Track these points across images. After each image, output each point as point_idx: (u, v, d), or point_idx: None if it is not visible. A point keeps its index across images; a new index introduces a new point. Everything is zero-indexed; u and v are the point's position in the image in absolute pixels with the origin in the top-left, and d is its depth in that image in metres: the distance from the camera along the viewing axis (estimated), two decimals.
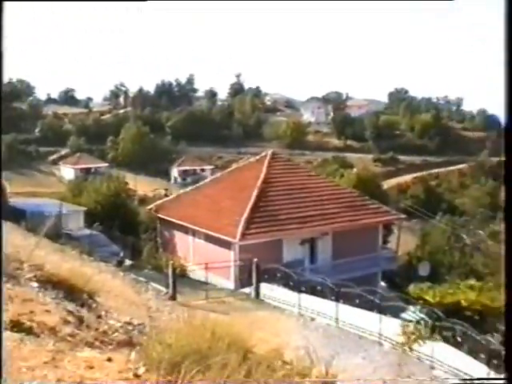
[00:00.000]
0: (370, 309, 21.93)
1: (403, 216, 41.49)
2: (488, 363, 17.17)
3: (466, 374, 17.75)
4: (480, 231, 74.38)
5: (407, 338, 19.53)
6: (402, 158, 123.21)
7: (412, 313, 23.77)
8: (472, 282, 41.79)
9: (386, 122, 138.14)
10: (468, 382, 11.29)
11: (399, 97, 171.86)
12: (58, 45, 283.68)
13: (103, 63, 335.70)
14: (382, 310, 21.63)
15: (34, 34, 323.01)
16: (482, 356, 17.73)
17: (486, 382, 10.74)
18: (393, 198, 79.23)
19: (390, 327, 20.65)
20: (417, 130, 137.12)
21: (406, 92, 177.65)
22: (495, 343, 18.70)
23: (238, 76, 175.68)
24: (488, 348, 17.82)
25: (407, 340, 19.49)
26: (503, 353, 17.51)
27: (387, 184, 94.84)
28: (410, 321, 21.09)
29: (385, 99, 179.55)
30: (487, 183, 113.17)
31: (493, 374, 16.91)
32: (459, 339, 18.95)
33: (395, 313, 22.87)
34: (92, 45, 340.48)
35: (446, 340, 19.23)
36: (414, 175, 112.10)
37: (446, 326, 19.64)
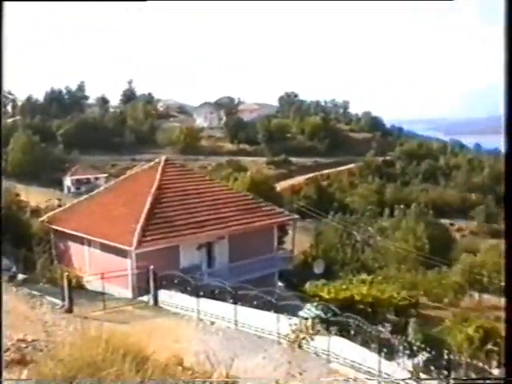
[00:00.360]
0: (268, 309, 22.36)
1: (297, 216, 42.58)
2: (379, 352, 18.06)
3: (360, 364, 18.58)
4: (369, 227, 77.78)
5: (296, 335, 20.22)
6: (293, 159, 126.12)
7: (308, 310, 24.54)
8: (363, 276, 43.87)
9: (278, 126, 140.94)
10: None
11: (289, 101, 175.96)
12: (58, 45, 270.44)
13: (103, 63, 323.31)
14: (279, 310, 22.11)
15: (34, 34, 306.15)
16: (374, 346, 18.62)
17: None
18: (286, 200, 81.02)
19: (288, 326, 21.20)
20: (307, 133, 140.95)
21: (296, 96, 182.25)
22: (385, 333, 19.71)
23: (129, 82, 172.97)
24: (379, 338, 18.73)
25: (296, 338, 20.18)
26: (393, 341, 18.53)
27: (280, 186, 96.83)
28: (307, 318, 21.78)
29: (275, 103, 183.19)
30: (374, 182, 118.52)
31: (384, 362, 17.84)
32: (353, 332, 19.75)
33: (293, 311, 23.46)
34: (92, 45, 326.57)
35: (341, 334, 20.01)
36: (306, 176, 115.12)
37: (341, 320, 20.42)
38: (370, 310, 34.06)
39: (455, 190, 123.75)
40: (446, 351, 17.17)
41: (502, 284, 57.83)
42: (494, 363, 20.63)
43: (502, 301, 56.97)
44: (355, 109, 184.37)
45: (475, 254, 71.16)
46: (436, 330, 35.64)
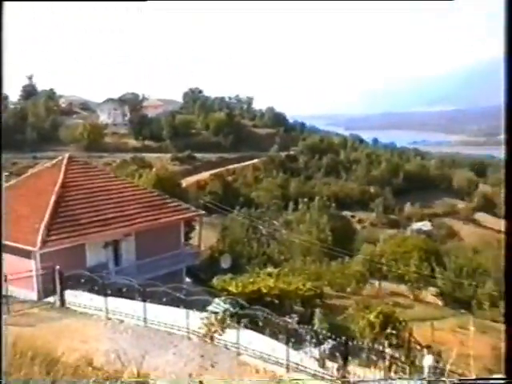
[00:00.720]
0: (177, 305, 22.49)
1: (203, 212, 42.74)
2: (287, 342, 18.66)
3: (269, 355, 19.10)
4: (274, 221, 79.34)
5: (208, 329, 20.60)
6: (198, 155, 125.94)
7: (217, 305, 24.83)
8: (270, 269, 44.78)
9: (182, 122, 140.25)
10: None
11: (193, 97, 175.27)
12: (58, 45, 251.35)
13: (103, 63, 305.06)
14: (188, 305, 22.28)
15: (34, 34, 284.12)
16: (282, 336, 19.19)
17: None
18: (192, 195, 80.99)
19: (197, 321, 21.47)
20: (212, 128, 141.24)
21: (200, 92, 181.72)
22: (292, 323, 20.37)
23: (29, 78, 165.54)
24: (286, 328, 19.33)
25: (208, 331, 20.56)
26: (300, 331, 19.16)
27: (186, 182, 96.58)
28: (216, 312, 22.13)
29: (180, 99, 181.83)
30: (278, 176, 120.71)
31: (292, 352, 18.46)
32: (261, 324, 20.24)
33: (201, 306, 23.70)
34: (92, 45, 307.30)
35: (249, 326, 20.47)
36: (212, 172, 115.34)
37: (249, 313, 20.87)
38: (277, 301, 34.85)
39: (355, 183, 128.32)
40: (344, 338, 17.99)
41: (400, 271, 60.95)
42: (387, 344, 21.81)
43: (400, 287, 60.06)
44: (259, 105, 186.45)
45: (375, 244, 74.32)
46: (340, 318, 37.03)
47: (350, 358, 17.54)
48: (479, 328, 46.30)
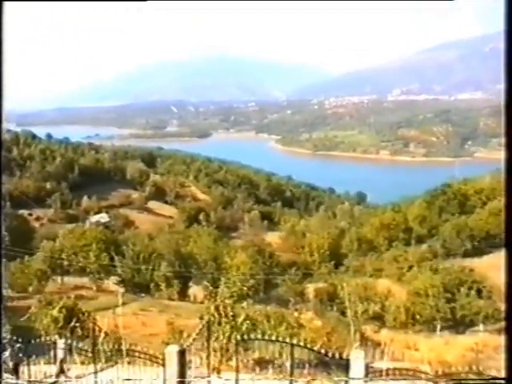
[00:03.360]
0: None
1: None
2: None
3: None
4: None
5: None
6: None
7: None
8: None
9: None
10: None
11: None
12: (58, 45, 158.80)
13: (103, 63, 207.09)
14: None
15: (34, 34, 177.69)
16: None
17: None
18: None
19: None
20: None
21: None
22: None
23: None
24: None
25: None
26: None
27: None
28: None
29: None
30: None
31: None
32: None
33: None
34: (92, 45, 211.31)
35: None
36: None
37: None
38: None
39: (30, 179, 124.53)
40: (28, 338, 18.62)
41: (80, 264, 62.29)
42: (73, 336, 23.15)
43: (83, 280, 61.52)
44: None
45: (54, 240, 74.03)
46: (24, 319, 36.86)
47: (35, 356, 18.26)
48: (158, 308, 50.62)
